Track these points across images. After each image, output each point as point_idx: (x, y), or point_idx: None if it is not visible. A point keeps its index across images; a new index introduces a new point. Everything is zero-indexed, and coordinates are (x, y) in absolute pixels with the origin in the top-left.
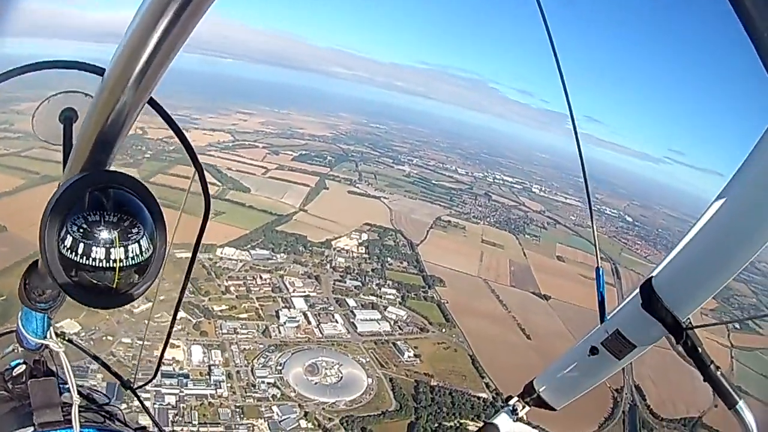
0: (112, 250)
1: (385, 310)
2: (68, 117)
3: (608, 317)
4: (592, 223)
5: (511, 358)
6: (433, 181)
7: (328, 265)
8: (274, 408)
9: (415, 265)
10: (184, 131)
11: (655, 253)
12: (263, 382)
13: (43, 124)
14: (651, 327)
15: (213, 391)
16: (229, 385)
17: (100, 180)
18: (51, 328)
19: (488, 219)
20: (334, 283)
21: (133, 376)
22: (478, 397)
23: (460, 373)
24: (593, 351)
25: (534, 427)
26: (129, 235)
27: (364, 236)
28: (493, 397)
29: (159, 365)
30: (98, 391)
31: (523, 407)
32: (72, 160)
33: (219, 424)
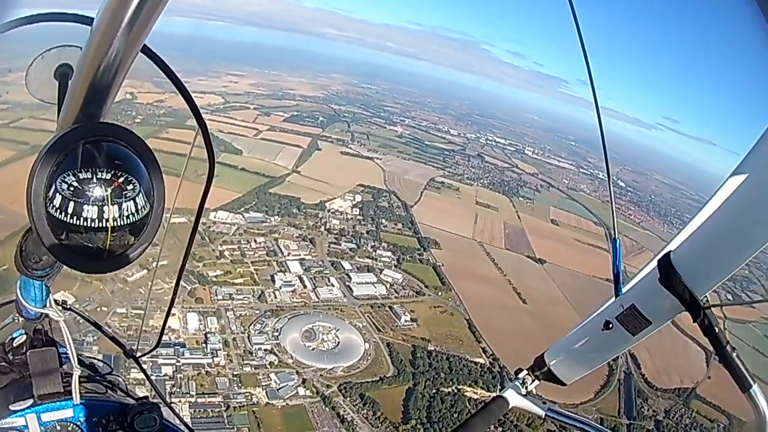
0: (104, 208)
1: (380, 273)
2: (64, 73)
3: (623, 291)
4: (611, 196)
5: (507, 323)
6: (426, 142)
7: (323, 228)
8: (272, 375)
9: (409, 227)
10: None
11: (648, 219)
12: (260, 348)
13: (37, 81)
14: (668, 303)
15: (210, 360)
16: (225, 352)
17: (91, 132)
18: (50, 296)
19: (482, 180)
20: (329, 246)
21: (134, 345)
22: (476, 363)
23: (457, 337)
24: (607, 325)
25: (543, 402)
26: (123, 192)
27: (358, 197)
28: (490, 363)
29: (162, 333)
30: (100, 360)
31: (533, 381)
32: (63, 116)
33: (217, 394)
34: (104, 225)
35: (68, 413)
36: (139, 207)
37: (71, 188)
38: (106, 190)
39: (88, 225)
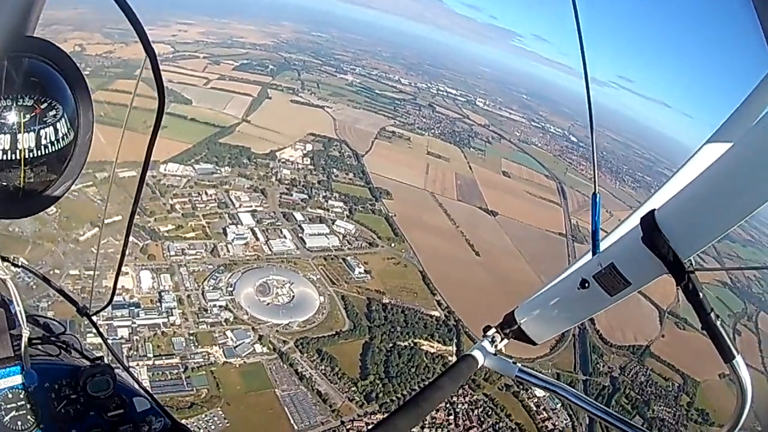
0: (18, 136)
1: (333, 224)
2: None
3: (601, 249)
4: (594, 154)
5: (461, 275)
6: (377, 91)
7: (274, 178)
8: (228, 333)
9: (361, 177)
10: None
11: (600, 175)
12: (215, 305)
13: None
14: (650, 264)
15: (165, 320)
16: (180, 311)
17: (6, 47)
18: None
19: (432, 131)
20: (280, 197)
21: (87, 303)
22: (431, 316)
23: (412, 290)
24: (583, 284)
25: (513, 362)
26: (43, 118)
27: (309, 147)
28: (445, 316)
29: (114, 290)
30: (54, 320)
31: (502, 339)
32: None
33: (174, 355)
34: (17, 157)
35: (17, 380)
36: (61, 135)
37: None
38: (23, 116)
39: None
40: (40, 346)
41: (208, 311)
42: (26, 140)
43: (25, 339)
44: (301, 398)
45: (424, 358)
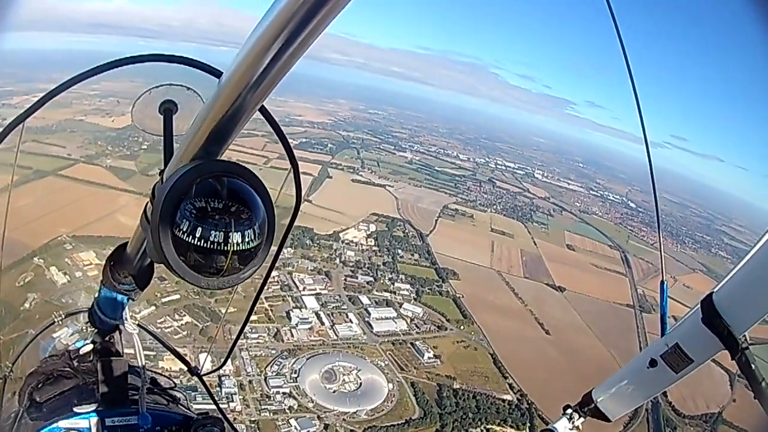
0: (230, 234)
1: (400, 307)
2: (168, 109)
3: (668, 331)
4: (659, 233)
5: (532, 355)
6: (436, 168)
7: (338, 260)
8: (292, 421)
9: (426, 257)
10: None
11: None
12: (278, 392)
13: (143, 114)
14: (709, 342)
15: (225, 405)
16: (241, 397)
17: (217, 168)
18: (126, 310)
19: (494, 206)
20: (345, 279)
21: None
22: (503, 400)
23: (483, 373)
24: (652, 363)
25: None
26: (244, 222)
27: (372, 227)
28: (518, 399)
29: (229, 355)
30: (163, 375)
31: (579, 417)
32: (183, 150)
33: None
34: (227, 248)
35: (132, 420)
36: (256, 235)
37: (198, 215)
38: (230, 219)
39: (214, 248)
40: (151, 396)
41: (271, 398)
42: (235, 237)
43: (143, 386)
44: None
45: None
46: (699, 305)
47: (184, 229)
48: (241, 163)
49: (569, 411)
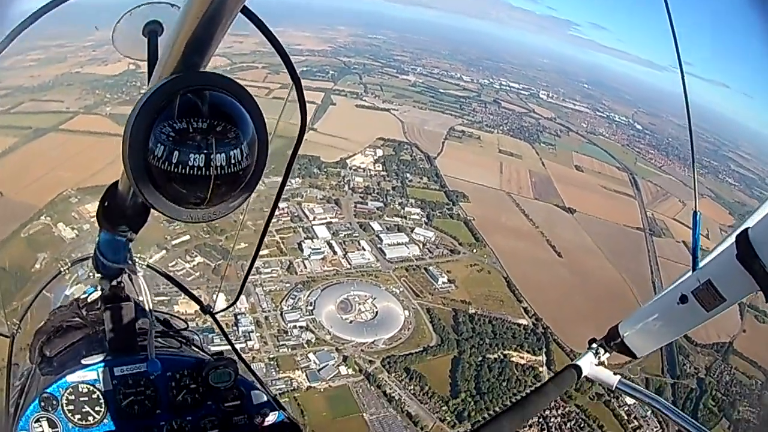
0: (211, 156)
1: (412, 231)
2: (153, 30)
3: (700, 265)
4: (693, 170)
5: (545, 278)
6: (440, 90)
7: (347, 186)
8: (311, 356)
9: (435, 180)
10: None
11: (669, 163)
12: (295, 326)
13: (124, 38)
14: (744, 281)
15: (243, 345)
16: (258, 334)
17: (194, 80)
18: (130, 252)
19: (501, 127)
20: (355, 206)
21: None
22: (519, 324)
23: (497, 298)
24: (683, 299)
25: (615, 373)
26: (229, 141)
27: (379, 152)
28: (533, 324)
29: (240, 292)
30: (175, 315)
31: (606, 352)
32: (160, 67)
33: (253, 382)
34: (209, 173)
35: (142, 368)
36: (244, 156)
37: (174, 137)
38: (212, 139)
39: (194, 173)
40: (162, 340)
41: (288, 333)
42: (218, 160)
43: (152, 331)
44: (391, 422)
45: (515, 371)
46: (734, 241)
47: (159, 155)
48: (225, 74)
49: (594, 345)
